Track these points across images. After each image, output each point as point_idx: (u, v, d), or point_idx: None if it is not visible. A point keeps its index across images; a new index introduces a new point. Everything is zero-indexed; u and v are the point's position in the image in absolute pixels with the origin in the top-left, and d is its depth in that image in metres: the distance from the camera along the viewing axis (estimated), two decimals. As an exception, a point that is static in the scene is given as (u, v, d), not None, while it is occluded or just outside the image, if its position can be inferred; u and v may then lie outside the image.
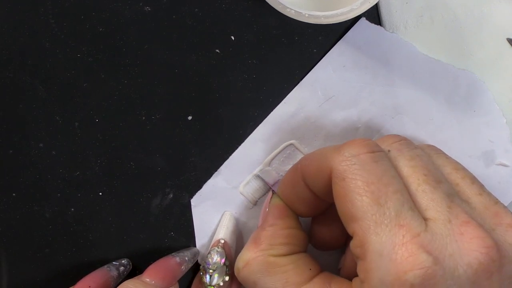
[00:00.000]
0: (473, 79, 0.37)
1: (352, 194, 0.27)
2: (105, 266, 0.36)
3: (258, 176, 0.37)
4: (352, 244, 0.27)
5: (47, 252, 0.38)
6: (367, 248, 0.26)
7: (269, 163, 0.37)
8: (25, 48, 0.37)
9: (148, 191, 0.38)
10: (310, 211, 0.33)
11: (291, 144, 0.37)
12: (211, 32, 0.37)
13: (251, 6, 0.37)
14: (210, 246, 0.37)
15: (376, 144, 0.29)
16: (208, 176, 0.38)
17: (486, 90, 0.37)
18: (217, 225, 0.37)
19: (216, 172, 0.38)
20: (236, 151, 0.38)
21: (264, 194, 0.38)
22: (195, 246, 0.38)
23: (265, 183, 0.37)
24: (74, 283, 0.35)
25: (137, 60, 0.37)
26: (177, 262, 0.35)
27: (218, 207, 0.38)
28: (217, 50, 0.37)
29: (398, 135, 0.31)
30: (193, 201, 0.38)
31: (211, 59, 0.37)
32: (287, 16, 0.32)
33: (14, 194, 0.38)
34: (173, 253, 0.36)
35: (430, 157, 0.30)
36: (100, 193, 0.38)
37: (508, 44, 0.36)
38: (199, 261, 0.38)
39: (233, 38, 0.37)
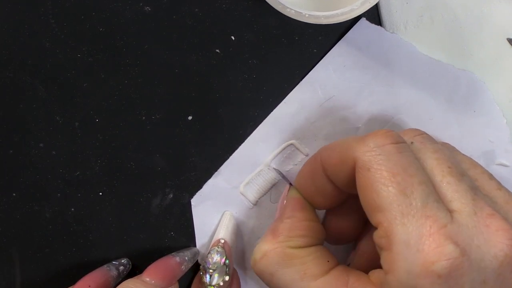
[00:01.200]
0: (473, 79, 0.37)
1: (378, 185, 0.27)
2: (105, 266, 0.36)
3: (272, 168, 0.37)
4: (376, 234, 0.27)
5: (47, 252, 0.38)
6: (392, 239, 0.26)
7: (270, 163, 0.37)
8: (25, 48, 0.37)
9: (148, 191, 0.38)
10: (328, 203, 0.32)
11: (291, 144, 0.37)
12: (211, 32, 0.37)
13: (251, 6, 0.37)
14: (210, 246, 0.37)
15: (400, 135, 0.29)
16: (208, 176, 0.38)
17: (486, 90, 0.37)
18: (217, 225, 0.37)
19: (216, 172, 0.38)
20: (237, 151, 0.38)
21: (265, 194, 0.38)
22: (195, 246, 0.38)
23: (266, 180, 0.37)
24: (74, 283, 0.35)
25: (137, 60, 0.37)
26: (177, 262, 0.35)
27: (218, 207, 0.38)
28: (217, 50, 0.37)
29: (419, 129, 0.31)
30: (193, 201, 0.38)
31: (211, 59, 0.37)
32: (287, 16, 0.32)
33: (14, 194, 0.38)
34: (173, 253, 0.36)
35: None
36: (100, 193, 0.38)
37: (508, 44, 0.36)
38: (199, 261, 0.38)
39: (233, 38, 0.37)
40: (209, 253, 0.36)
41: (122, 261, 0.37)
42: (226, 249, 0.36)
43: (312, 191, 0.32)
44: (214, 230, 0.38)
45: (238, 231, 0.38)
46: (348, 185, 0.29)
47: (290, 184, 0.35)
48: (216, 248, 0.36)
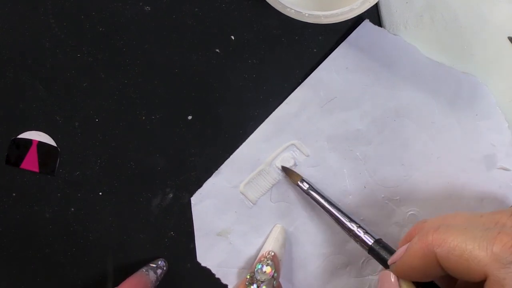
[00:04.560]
0: (476, 83, 0.36)
1: None
2: (143, 269, 0.36)
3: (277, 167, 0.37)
4: None
5: (47, 252, 0.38)
6: None
7: (270, 163, 0.37)
8: (25, 48, 0.37)
9: (148, 191, 0.38)
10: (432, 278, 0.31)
11: (292, 144, 0.37)
12: (211, 32, 0.37)
13: (251, 6, 0.37)
14: (259, 257, 0.36)
15: None
16: (208, 176, 0.38)
17: (489, 93, 0.36)
18: (267, 236, 0.37)
19: (216, 171, 0.38)
20: (238, 150, 0.38)
21: (265, 193, 0.37)
22: (194, 246, 0.38)
23: (267, 180, 0.37)
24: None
25: (137, 60, 0.37)
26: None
27: (218, 206, 0.38)
28: (217, 50, 0.37)
29: None
30: (193, 199, 0.38)
31: (211, 59, 0.37)
32: (287, 16, 0.32)
33: (14, 194, 0.38)
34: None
35: None
36: (100, 193, 0.38)
37: (509, 43, 0.36)
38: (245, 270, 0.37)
39: (233, 38, 0.37)
40: (259, 263, 0.35)
41: (159, 263, 0.37)
42: (275, 262, 0.35)
43: (419, 276, 0.30)
44: (213, 229, 0.38)
45: (287, 244, 0.38)
46: (472, 285, 0.28)
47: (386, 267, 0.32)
48: (266, 260, 0.35)
